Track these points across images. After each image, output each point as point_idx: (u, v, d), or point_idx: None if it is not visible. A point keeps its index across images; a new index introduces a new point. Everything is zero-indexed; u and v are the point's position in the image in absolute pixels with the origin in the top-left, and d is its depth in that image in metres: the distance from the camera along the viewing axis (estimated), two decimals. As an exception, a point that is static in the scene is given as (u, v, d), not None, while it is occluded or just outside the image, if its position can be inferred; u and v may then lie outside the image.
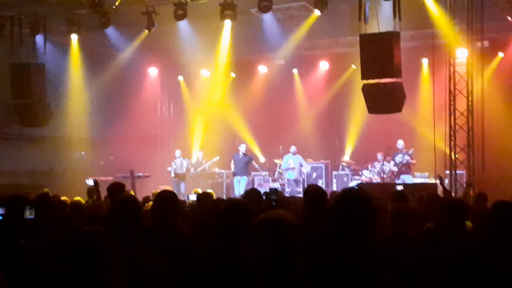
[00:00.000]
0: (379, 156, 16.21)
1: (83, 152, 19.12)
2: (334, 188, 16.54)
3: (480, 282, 2.68)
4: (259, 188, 12.84)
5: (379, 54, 11.53)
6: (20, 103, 14.90)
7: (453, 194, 11.63)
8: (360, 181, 15.92)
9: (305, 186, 14.26)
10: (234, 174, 17.04)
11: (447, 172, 13.27)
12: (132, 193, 10.73)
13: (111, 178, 14.84)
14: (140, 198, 8.71)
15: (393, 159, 15.93)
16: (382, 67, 11.51)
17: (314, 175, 17.44)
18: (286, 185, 16.93)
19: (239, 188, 16.52)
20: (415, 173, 16.06)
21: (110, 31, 15.75)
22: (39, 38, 14.94)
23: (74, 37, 16.12)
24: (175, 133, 20.75)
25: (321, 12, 13.67)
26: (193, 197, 9.14)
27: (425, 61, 17.12)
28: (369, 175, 16.40)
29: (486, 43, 14.07)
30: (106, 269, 3.04)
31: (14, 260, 4.06)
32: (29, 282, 3.88)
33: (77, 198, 9.66)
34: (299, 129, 18.47)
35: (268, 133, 18.46)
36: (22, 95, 14.77)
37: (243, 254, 3.47)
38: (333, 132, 18.28)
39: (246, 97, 19.07)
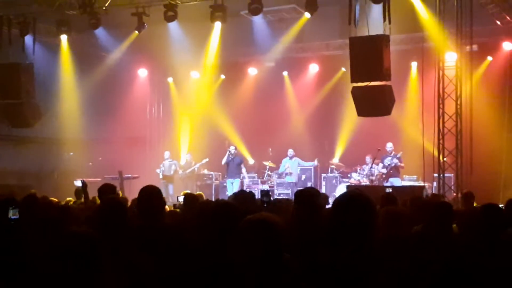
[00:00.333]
0: (368, 158, 16.28)
1: (71, 153, 19.02)
2: (323, 190, 16.54)
3: (470, 282, 2.71)
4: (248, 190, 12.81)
5: (368, 57, 11.52)
6: (9, 104, 14.74)
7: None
8: (349, 184, 15.96)
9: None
10: (226, 176, 17.04)
11: (435, 175, 13.35)
12: (121, 194, 10.68)
13: (99, 179, 14.75)
14: (129, 199, 8.67)
15: (382, 162, 16.01)
16: (372, 70, 11.50)
17: (303, 177, 17.46)
18: (275, 187, 17.03)
19: (233, 190, 16.45)
20: (404, 176, 16.11)
21: (100, 32, 15.71)
22: (28, 39, 14.84)
23: (64, 38, 16.10)
24: (164, 134, 20.71)
25: (311, 14, 13.68)
26: (182, 199, 9.12)
27: (414, 65, 17.15)
28: (358, 178, 16.46)
29: (475, 47, 14.15)
30: (96, 270, 3.03)
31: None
32: (16, 282, 3.85)
33: (69, 198, 9.61)
34: (288, 132, 18.41)
35: (258, 135, 18.42)
36: (11, 95, 14.62)
37: (231, 255, 3.48)
38: (322, 134, 18.33)
39: (235, 99, 19.02)
